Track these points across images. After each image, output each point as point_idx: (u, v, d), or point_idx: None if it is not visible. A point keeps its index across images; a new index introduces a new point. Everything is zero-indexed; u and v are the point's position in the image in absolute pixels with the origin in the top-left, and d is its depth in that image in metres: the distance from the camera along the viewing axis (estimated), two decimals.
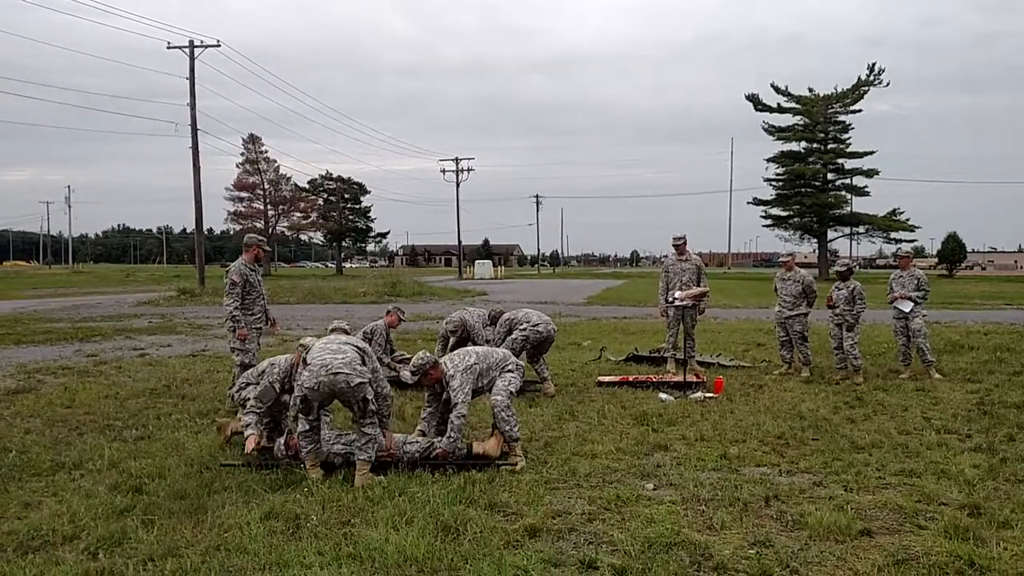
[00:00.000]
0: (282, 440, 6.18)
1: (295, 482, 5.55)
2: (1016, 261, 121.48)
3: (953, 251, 61.20)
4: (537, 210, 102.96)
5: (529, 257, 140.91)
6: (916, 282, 10.50)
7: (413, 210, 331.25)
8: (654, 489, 5.45)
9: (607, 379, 9.87)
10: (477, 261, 73.88)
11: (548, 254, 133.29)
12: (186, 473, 5.79)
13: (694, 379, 9.52)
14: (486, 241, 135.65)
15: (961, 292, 35.02)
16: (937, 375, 10.11)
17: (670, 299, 10.76)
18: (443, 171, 67.53)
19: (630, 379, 9.83)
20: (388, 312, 10.21)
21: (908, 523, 4.77)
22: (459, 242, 69.92)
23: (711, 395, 8.92)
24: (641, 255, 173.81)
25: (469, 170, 67.23)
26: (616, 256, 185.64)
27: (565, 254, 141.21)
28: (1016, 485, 5.51)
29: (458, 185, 67.12)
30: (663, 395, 8.94)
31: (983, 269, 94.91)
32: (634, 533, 4.52)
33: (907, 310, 10.35)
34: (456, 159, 66.98)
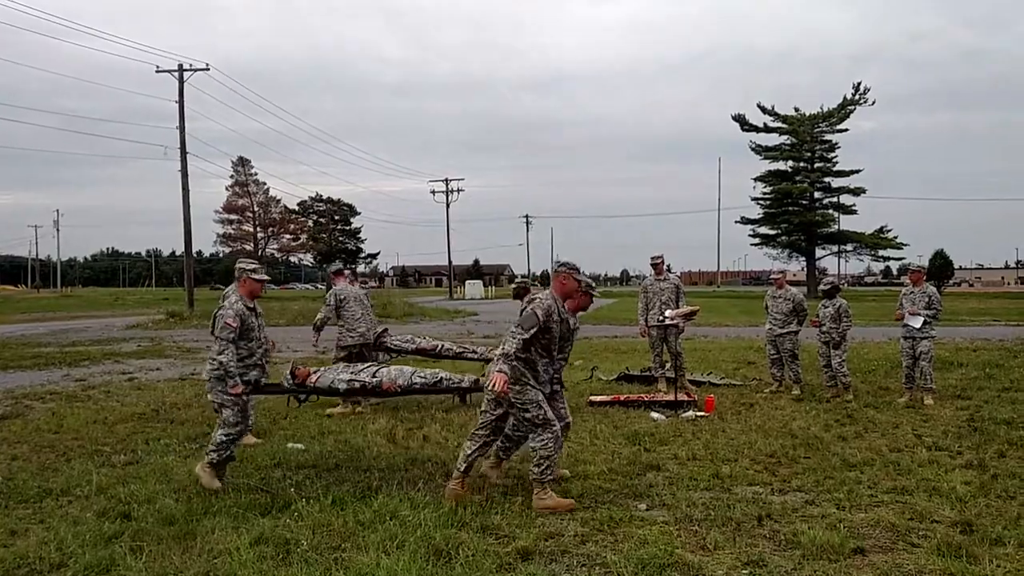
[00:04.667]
0: (288, 371, 6.36)
1: (285, 506, 5.50)
2: (1003, 277, 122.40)
3: (941, 268, 61.71)
4: (527, 229, 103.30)
5: (519, 276, 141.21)
6: (928, 299, 9.98)
7: (404, 231, 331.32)
8: (647, 509, 5.44)
9: (599, 399, 9.86)
10: (468, 281, 73.96)
11: (539, 273, 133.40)
12: (175, 498, 5.74)
13: (685, 398, 9.52)
14: (476, 261, 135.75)
15: (949, 309, 35.10)
16: (929, 400, 9.67)
17: (660, 318, 10.78)
18: (433, 192, 67.74)
19: (621, 398, 9.82)
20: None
21: (901, 541, 4.77)
22: (449, 262, 70.08)
23: (702, 414, 8.92)
24: (631, 274, 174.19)
25: (459, 191, 67.52)
26: (606, 275, 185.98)
27: None
28: (1007, 502, 5.52)
29: (448, 206, 67.34)
30: (655, 414, 8.93)
31: (970, 286, 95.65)
32: (627, 555, 4.50)
33: (917, 326, 9.93)
34: (446, 180, 67.26)
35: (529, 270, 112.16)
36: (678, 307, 10.85)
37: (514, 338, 5.41)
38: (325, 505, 5.46)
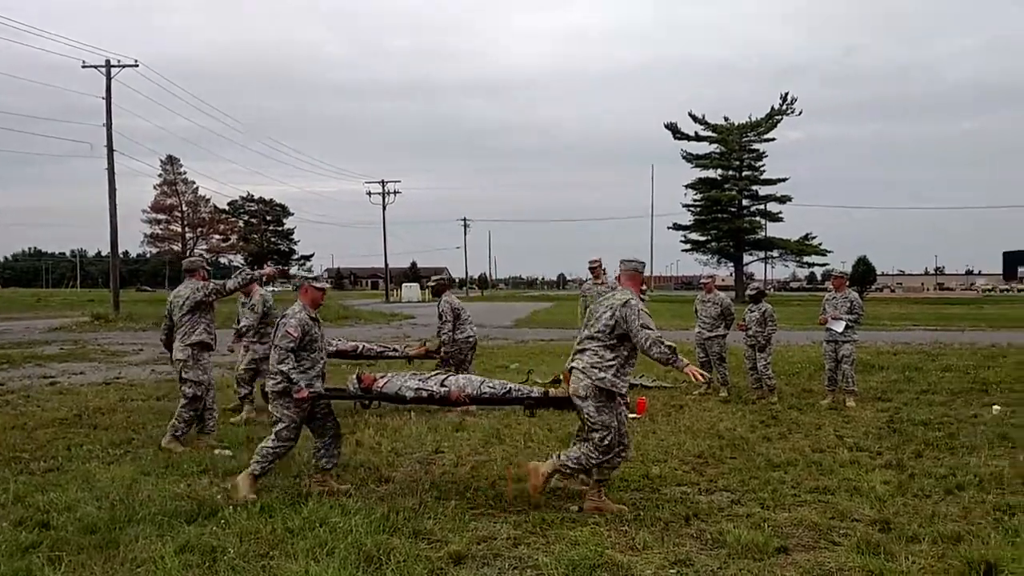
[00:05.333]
0: (354, 376, 6.19)
1: (212, 513, 5.39)
2: (923, 284, 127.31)
3: (863, 274, 63.67)
4: (465, 233, 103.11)
5: (457, 280, 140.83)
6: (850, 304, 10.33)
7: (339, 232, 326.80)
8: (578, 511, 5.50)
9: None
10: (405, 284, 73.41)
11: (476, 277, 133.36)
12: (97, 506, 5.55)
13: None
14: (414, 264, 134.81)
15: (871, 314, 36.34)
16: (851, 402, 9.98)
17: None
18: (369, 193, 67.08)
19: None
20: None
21: (823, 539, 4.93)
22: (386, 265, 69.51)
23: (634, 415, 9.03)
24: (568, 278, 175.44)
25: (396, 192, 66.95)
26: (544, 279, 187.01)
27: (493, 277, 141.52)
28: (923, 500, 5.75)
29: (384, 208, 66.77)
30: None
31: (892, 291, 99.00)
32: (558, 556, 4.54)
33: (839, 330, 10.28)
34: (383, 182, 66.64)
35: (467, 273, 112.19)
36: None
37: (650, 331, 5.30)
38: (253, 512, 5.37)
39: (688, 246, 65.73)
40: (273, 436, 5.91)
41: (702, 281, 11.94)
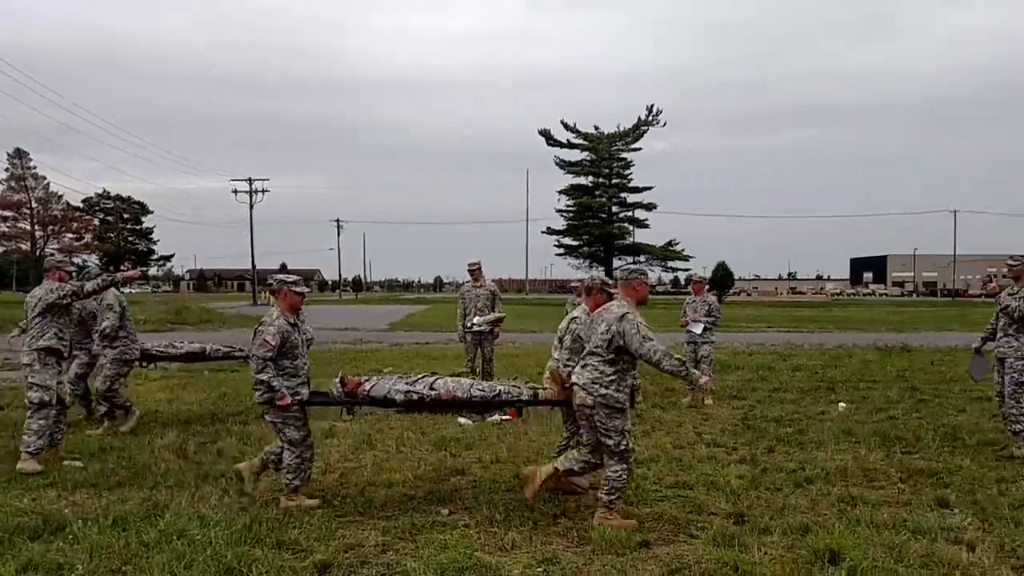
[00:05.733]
0: (338, 379, 6.01)
1: (59, 529, 5.05)
2: (777, 288, 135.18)
3: (723, 279, 66.79)
4: (338, 234, 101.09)
5: (330, 282, 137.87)
6: (708, 307, 10.81)
7: (203, 232, 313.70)
8: (449, 514, 5.50)
9: None
10: None
11: (350, 279, 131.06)
12: None
13: None
14: (284, 265, 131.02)
15: (729, 316, 38.29)
16: (709, 401, 10.37)
17: (468, 324, 10.95)
18: (235, 192, 64.66)
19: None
20: None
21: (682, 533, 5.13)
22: (253, 266, 67.10)
23: (508, 418, 9.14)
24: (444, 281, 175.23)
25: (264, 191, 64.81)
26: (420, 281, 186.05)
27: (368, 279, 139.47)
28: (775, 493, 6.07)
29: (252, 206, 64.52)
30: (462, 419, 9.04)
31: (748, 295, 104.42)
32: (427, 561, 4.53)
33: (699, 332, 10.73)
34: (250, 179, 64.39)
35: (340, 275, 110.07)
36: (495, 312, 11.07)
37: (653, 343, 5.26)
38: (105, 526, 5.06)
39: (561, 250, 67.34)
40: (286, 446, 5.73)
41: (572, 285, 12.19)
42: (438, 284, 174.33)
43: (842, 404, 10.27)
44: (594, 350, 5.40)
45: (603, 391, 5.30)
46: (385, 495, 5.94)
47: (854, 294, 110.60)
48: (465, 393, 5.91)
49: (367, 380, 6.06)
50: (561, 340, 6.26)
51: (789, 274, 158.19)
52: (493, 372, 11.22)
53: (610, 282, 6.24)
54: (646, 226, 66.45)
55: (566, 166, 65.43)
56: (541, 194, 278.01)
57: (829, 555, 4.58)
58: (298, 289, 6.00)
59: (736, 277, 74.75)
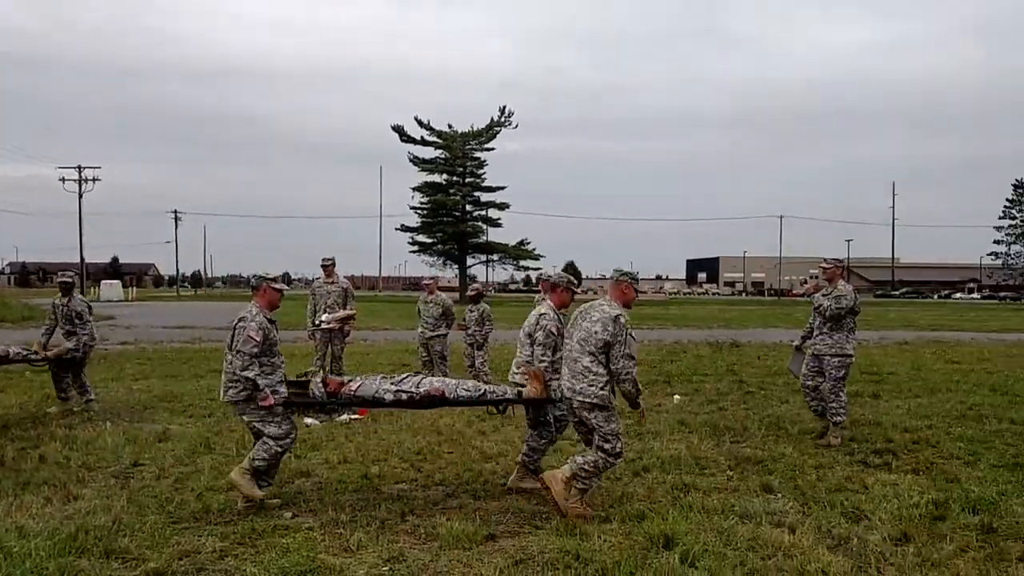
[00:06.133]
0: (319, 379, 5.97)
1: None
2: None
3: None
4: (176, 226, 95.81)
5: (167, 277, 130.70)
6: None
7: (25, 222, 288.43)
8: (292, 517, 5.36)
9: None
10: (104, 281, 66.72)
11: (189, 274, 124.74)
12: None
13: None
14: (116, 259, 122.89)
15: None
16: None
17: (317, 322, 10.70)
18: (63, 180, 60.02)
19: None
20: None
21: (527, 525, 5.25)
22: (82, 259, 62.47)
23: (356, 416, 9.01)
24: (293, 277, 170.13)
25: (95, 180, 60.55)
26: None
27: (209, 275, 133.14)
28: (615, 482, 6.32)
29: (80, 196, 60.12)
30: (308, 419, 8.81)
31: (595, 294, 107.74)
32: (268, 565, 4.40)
33: None
34: (79, 167, 59.96)
35: (178, 270, 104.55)
36: (347, 309, 10.87)
37: (632, 362, 5.41)
38: None
39: (415, 248, 66.99)
40: (271, 442, 5.55)
41: (424, 283, 12.19)
42: (286, 280, 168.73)
43: (677, 396, 10.82)
44: (586, 351, 5.44)
45: (601, 392, 5.42)
46: (224, 500, 5.70)
47: (689, 293, 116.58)
48: (452, 393, 5.92)
49: (351, 380, 6.04)
50: (531, 336, 6.23)
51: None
52: (343, 371, 11.03)
53: (575, 281, 6.48)
54: (499, 225, 67.40)
55: (420, 163, 65.20)
56: (396, 191, 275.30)
57: (664, 540, 4.82)
58: (277, 286, 5.98)
59: (584, 276, 77.17)
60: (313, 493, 5.94)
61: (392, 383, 5.94)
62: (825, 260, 8.30)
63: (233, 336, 5.65)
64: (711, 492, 6.03)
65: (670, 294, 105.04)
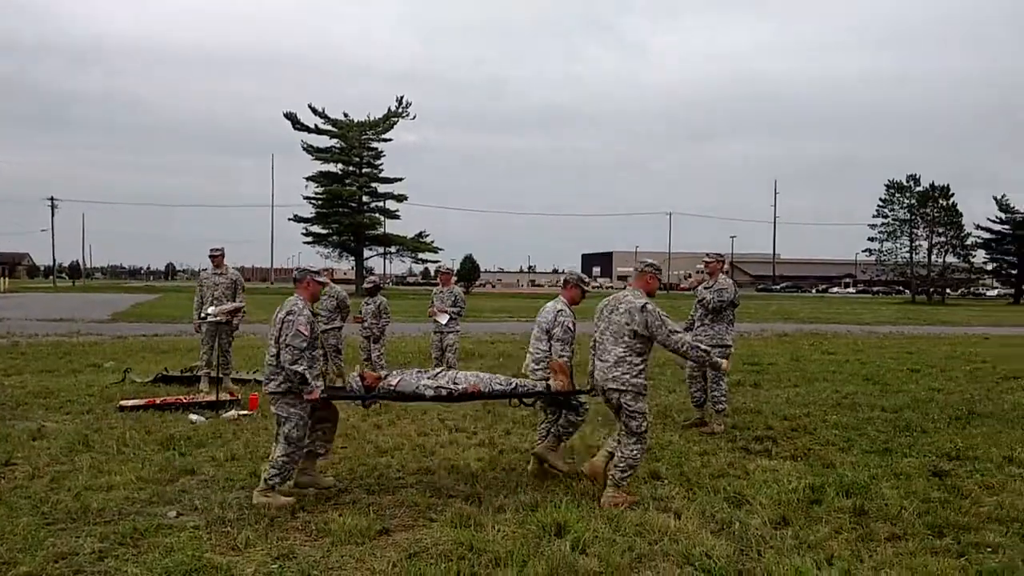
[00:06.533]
0: (356, 373, 6.03)
1: None
2: (519, 280, 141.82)
3: (470, 271, 68.99)
4: (52, 214, 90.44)
5: (43, 268, 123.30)
6: (454, 298, 11.09)
7: None
8: (177, 516, 5.18)
9: (131, 403, 9.08)
10: None
11: (67, 265, 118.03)
12: None
13: (228, 397, 9.28)
14: None
15: (474, 307, 39.61)
16: None
17: (203, 314, 10.35)
18: None
19: (157, 401, 9.18)
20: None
21: (421, 518, 5.24)
22: None
23: (245, 412, 8.77)
24: (178, 268, 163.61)
25: None
26: (150, 268, 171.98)
27: (88, 265, 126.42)
28: (510, 473, 6.40)
29: None
30: (194, 416, 8.54)
31: (493, 287, 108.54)
32: (151, 566, 4.25)
33: (444, 322, 11.00)
34: None
35: (55, 260, 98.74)
36: (236, 302, 10.55)
37: (679, 335, 5.64)
38: None
39: (310, 239, 65.45)
40: (282, 441, 5.53)
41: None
42: (171, 271, 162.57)
43: None
44: (620, 341, 5.66)
45: (635, 380, 5.64)
46: (103, 499, 5.46)
47: None
48: (487, 387, 6.05)
49: (389, 375, 6.11)
50: (548, 332, 6.45)
51: (529, 267, 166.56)
52: (231, 364, 10.72)
53: (586, 278, 6.87)
54: (397, 217, 66.68)
55: (314, 152, 63.71)
56: (289, 180, 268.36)
57: (556, 528, 4.92)
58: (321, 279, 6.07)
59: (482, 269, 77.36)
60: (199, 491, 5.75)
61: (429, 378, 6.05)
62: (707, 255, 8.65)
63: (280, 330, 5.63)
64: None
65: None
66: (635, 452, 5.71)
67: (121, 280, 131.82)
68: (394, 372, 6.29)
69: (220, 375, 10.05)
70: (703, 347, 5.81)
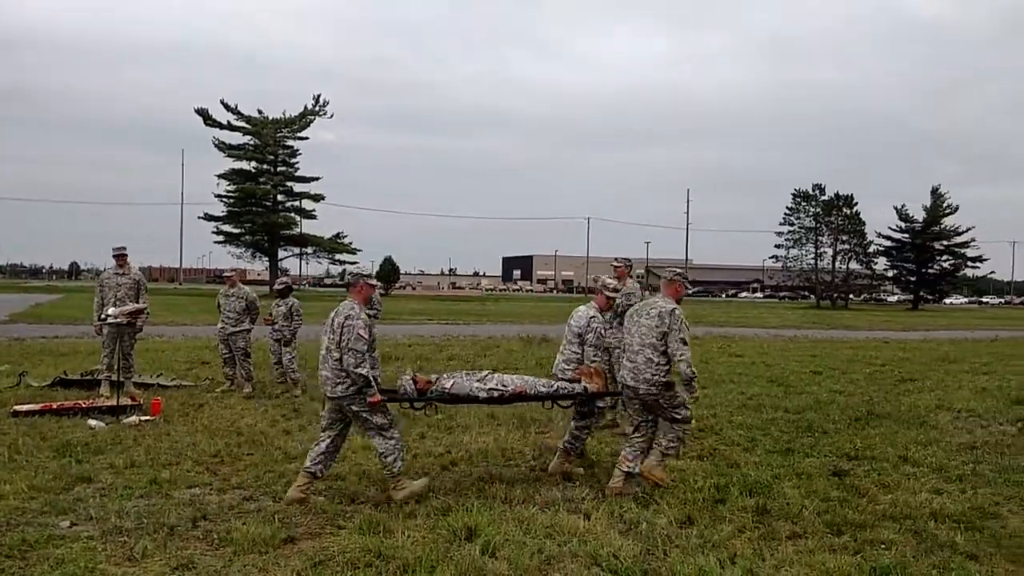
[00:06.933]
0: (408, 377, 6.12)
1: None
2: (439, 283, 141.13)
3: (389, 273, 68.24)
4: None
5: None
6: (370, 300, 11.09)
7: None
8: (70, 526, 4.95)
9: (26, 408, 8.64)
10: None
11: None
12: None
13: (129, 402, 8.94)
14: None
15: (393, 309, 39.24)
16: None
17: (103, 316, 9.94)
18: None
19: (54, 406, 8.76)
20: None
21: (329, 525, 5.15)
22: None
23: (147, 418, 8.46)
24: (82, 267, 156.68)
25: None
26: (52, 267, 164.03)
27: None
28: (423, 477, 6.34)
29: None
30: (92, 421, 8.18)
31: (413, 289, 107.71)
32: None
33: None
34: None
35: None
36: (139, 303, 10.16)
37: (686, 347, 5.95)
38: None
39: (221, 238, 63.58)
40: (377, 434, 5.74)
41: (226, 275, 11.61)
42: (74, 270, 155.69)
43: None
44: (650, 344, 6.01)
45: (663, 380, 6.01)
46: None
47: (505, 290, 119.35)
48: (533, 389, 6.41)
49: (441, 378, 6.29)
50: (580, 336, 6.77)
51: (450, 270, 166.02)
52: (133, 367, 10.33)
53: (610, 284, 7.22)
54: (313, 217, 65.35)
55: (227, 149, 61.95)
56: (200, 177, 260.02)
57: (467, 532, 4.91)
58: (372, 282, 6.30)
59: (402, 271, 76.66)
60: (95, 500, 5.51)
61: (478, 380, 6.29)
62: (616, 260, 8.81)
63: (341, 334, 5.74)
64: (515, 483, 6.21)
65: (486, 290, 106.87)
66: (679, 430, 6.19)
67: (21, 279, 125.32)
68: (445, 375, 6.46)
69: (121, 379, 9.66)
70: (694, 369, 6.06)
